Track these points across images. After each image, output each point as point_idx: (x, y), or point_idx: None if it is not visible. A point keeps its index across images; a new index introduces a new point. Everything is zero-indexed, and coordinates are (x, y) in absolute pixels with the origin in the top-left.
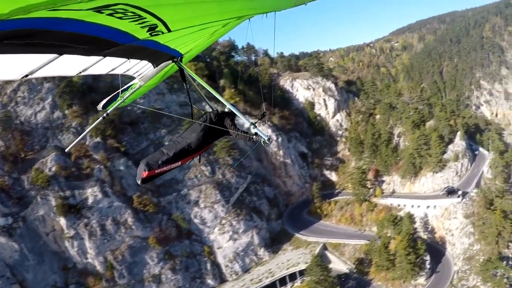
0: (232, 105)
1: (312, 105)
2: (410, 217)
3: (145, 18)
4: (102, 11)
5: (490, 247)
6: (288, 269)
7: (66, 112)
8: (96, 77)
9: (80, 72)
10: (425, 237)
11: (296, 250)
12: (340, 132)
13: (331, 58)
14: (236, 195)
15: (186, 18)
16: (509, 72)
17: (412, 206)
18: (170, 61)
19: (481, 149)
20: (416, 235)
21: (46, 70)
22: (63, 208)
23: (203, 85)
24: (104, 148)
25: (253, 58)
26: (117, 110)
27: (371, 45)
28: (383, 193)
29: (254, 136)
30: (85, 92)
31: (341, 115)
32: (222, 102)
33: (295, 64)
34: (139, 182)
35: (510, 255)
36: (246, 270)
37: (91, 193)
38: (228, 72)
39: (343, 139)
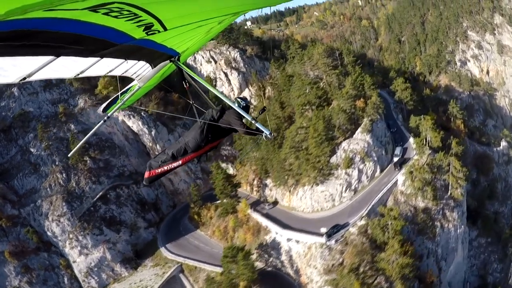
0: (236, 101)
1: (213, 81)
2: (246, 255)
3: (140, 16)
4: (98, 10)
5: None
6: None
7: None
8: None
9: (78, 74)
10: (293, 276)
11: (154, 269)
12: None
13: (315, 13)
14: (84, 205)
15: (181, 16)
16: (504, 20)
17: (276, 233)
18: (168, 61)
19: (412, 140)
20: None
21: (43, 72)
22: None
23: (204, 84)
24: None
25: None
26: None
27: None
28: (255, 204)
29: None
30: None
31: (250, 91)
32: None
33: None
34: (144, 183)
35: None
36: (103, 286)
37: None
38: None
39: None
